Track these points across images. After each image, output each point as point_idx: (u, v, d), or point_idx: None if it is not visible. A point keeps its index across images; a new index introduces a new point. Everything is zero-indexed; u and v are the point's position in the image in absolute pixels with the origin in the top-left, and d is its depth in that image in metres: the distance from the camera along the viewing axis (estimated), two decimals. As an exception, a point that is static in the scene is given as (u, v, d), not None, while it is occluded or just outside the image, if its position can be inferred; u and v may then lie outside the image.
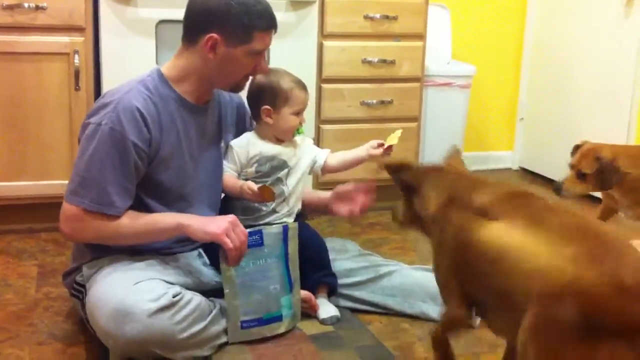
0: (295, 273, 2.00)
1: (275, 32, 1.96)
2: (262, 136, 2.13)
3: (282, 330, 1.97)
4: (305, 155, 2.18)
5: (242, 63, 1.92)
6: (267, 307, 1.94)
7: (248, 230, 1.91)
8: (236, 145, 2.12)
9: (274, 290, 1.95)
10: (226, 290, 1.89)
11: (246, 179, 2.08)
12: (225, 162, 2.11)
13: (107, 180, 1.80)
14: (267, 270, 1.94)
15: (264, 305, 1.93)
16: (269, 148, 2.11)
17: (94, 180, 1.80)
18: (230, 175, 2.10)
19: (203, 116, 2.02)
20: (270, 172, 2.10)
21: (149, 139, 1.85)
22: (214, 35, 1.86)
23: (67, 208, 1.83)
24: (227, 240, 1.82)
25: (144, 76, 1.93)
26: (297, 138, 2.16)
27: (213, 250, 1.94)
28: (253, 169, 2.10)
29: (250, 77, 2.03)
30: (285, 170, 2.12)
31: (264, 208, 2.09)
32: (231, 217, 1.88)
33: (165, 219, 1.88)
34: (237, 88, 2.03)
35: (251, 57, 1.92)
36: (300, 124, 2.12)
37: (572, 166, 2.30)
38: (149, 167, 1.88)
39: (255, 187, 2.01)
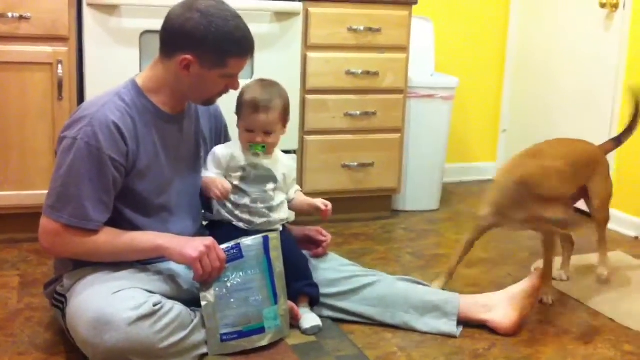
0: (281, 284, 1.99)
1: (252, 57, 1.98)
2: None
3: (264, 342, 1.96)
4: (289, 170, 2.20)
5: (214, 83, 1.94)
6: (248, 319, 1.93)
7: (226, 245, 1.91)
8: (219, 149, 2.12)
9: (255, 302, 1.94)
10: (204, 303, 1.88)
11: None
12: (208, 167, 2.10)
13: (84, 195, 1.80)
14: (247, 282, 1.93)
15: (244, 318, 1.92)
16: (251, 156, 2.10)
17: (71, 195, 1.80)
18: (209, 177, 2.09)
19: (179, 125, 2.03)
20: (256, 181, 2.10)
21: (126, 152, 1.86)
22: (189, 56, 1.87)
23: (46, 223, 1.83)
24: (199, 267, 1.85)
25: (119, 88, 1.94)
26: (281, 156, 2.16)
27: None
28: (238, 174, 2.09)
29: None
30: (272, 185, 2.12)
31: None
32: (209, 241, 1.88)
33: (144, 239, 1.88)
34: (208, 103, 2.03)
35: (223, 79, 1.94)
36: (257, 143, 2.07)
37: None
38: (127, 178, 1.89)
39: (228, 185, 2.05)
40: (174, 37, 1.89)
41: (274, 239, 1.99)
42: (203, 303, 1.88)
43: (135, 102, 1.91)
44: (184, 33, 1.87)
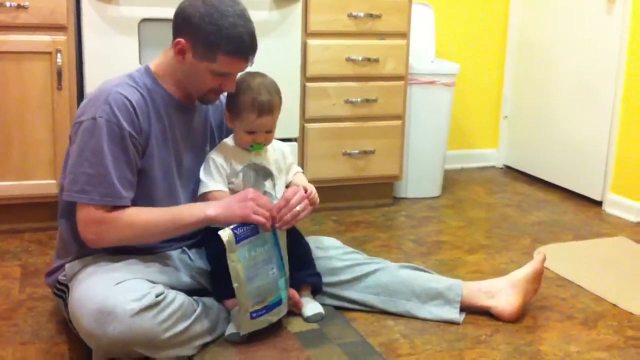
0: (285, 253, 1.99)
1: (248, 59, 1.90)
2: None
3: (284, 313, 1.98)
4: (281, 158, 2.12)
5: (205, 78, 1.90)
6: (270, 293, 1.93)
7: (241, 224, 1.89)
8: (217, 156, 2.03)
9: (273, 275, 1.94)
10: (235, 285, 1.86)
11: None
12: (207, 178, 2.02)
13: (110, 172, 1.79)
14: (264, 256, 1.92)
15: (267, 292, 1.92)
16: (245, 155, 2.04)
17: (99, 175, 1.79)
18: (221, 192, 2.00)
19: (189, 115, 2.02)
20: (256, 182, 2.04)
21: (140, 128, 1.86)
22: (182, 40, 1.87)
23: (82, 211, 1.81)
24: (257, 217, 1.85)
25: (132, 71, 1.95)
26: (269, 146, 2.07)
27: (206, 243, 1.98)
28: (240, 180, 2.03)
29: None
30: (270, 182, 2.07)
31: None
32: (251, 194, 1.88)
33: (192, 212, 1.87)
34: (204, 100, 1.99)
35: (214, 76, 1.90)
36: (258, 142, 2.01)
37: None
38: (140, 162, 1.88)
39: None
40: (176, 21, 1.90)
41: None
42: (235, 285, 1.86)
43: (147, 85, 1.92)
44: (182, 17, 1.88)
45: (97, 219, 1.80)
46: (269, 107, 1.98)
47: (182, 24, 1.88)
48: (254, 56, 1.92)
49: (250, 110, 1.97)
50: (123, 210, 1.82)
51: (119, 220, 1.81)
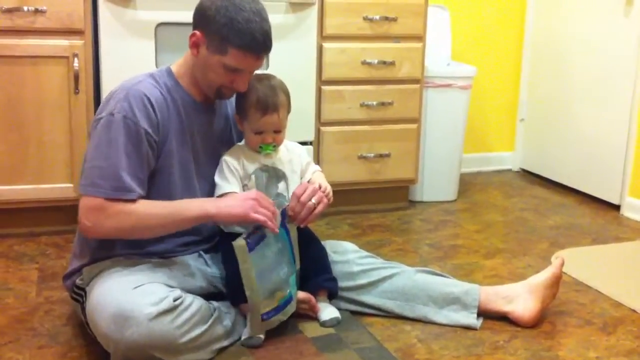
0: (296, 249, 2.00)
1: (259, 57, 1.90)
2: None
3: (293, 309, 1.98)
4: (296, 159, 2.12)
5: (216, 72, 1.91)
6: (282, 294, 1.93)
7: (248, 231, 1.89)
8: (230, 158, 2.03)
9: (284, 274, 1.94)
10: (248, 293, 1.87)
11: None
12: (222, 180, 2.02)
13: (123, 167, 1.81)
14: (274, 258, 1.92)
15: (278, 293, 1.92)
16: (257, 157, 2.04)
17: (111, 169, 1.80)
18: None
19: (209, 116, 2.03)
20: (268, 184, 2.05)
21: (157, 125, 1.87)
22: (197, 32, 1.90)
23: (87, 200, 1.81)
24: (257, 216, 1.83)
25: (153, 71, 1.97)
26: (282, 147, 2.08)
27: (222, 247, 1.98)
28: (252, 182, 2.03)
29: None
30: (284, 183, 2.07)
31: None
32: (253, 194, 1.88)
33: (191, 207, 1.87)
34: (218, 96, 1.99)
35: (226, 71, 1.90)
36: (268, 143, 2.01)
37: None
38: (158, 161, 1.89)
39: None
40: (194, 14, 1.93)
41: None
42: (248, 292, 1.86)
43: (167, 85, 1.94)
44: (200, 9, 1.91)
45: (98, 206, 1.80)
46: (274, 105, 1.98)
47: (198, 16, 1.91)
48: (266, 54, 1.94)
49: (255, 109, 1.98)
50: (125, 202, 1.81)
51: (118, 207, 1.80)
